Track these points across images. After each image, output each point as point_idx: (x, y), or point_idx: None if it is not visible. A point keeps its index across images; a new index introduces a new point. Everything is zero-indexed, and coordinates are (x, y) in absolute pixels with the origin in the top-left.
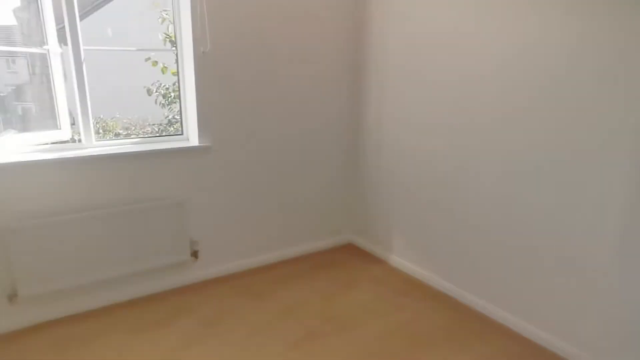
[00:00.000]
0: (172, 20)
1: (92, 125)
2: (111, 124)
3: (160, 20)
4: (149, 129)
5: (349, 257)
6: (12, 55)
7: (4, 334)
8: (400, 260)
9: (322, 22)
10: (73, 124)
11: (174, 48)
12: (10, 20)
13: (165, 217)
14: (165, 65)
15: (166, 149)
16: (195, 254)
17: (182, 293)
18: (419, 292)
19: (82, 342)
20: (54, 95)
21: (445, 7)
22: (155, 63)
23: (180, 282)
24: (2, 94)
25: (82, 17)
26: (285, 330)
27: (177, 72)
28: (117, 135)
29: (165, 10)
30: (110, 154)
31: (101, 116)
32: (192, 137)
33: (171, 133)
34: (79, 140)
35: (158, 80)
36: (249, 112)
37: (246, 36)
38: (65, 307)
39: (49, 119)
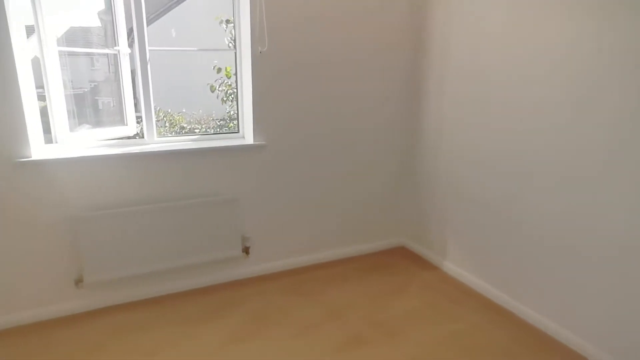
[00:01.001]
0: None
1: (154, 122)
2: (177, 118)
3: (224, 25)
4: (213, 123)
5: (401, 261)
6: (96, 54)
7: (69, 315)
8: (455, 267)
9: (380, 24)
10: (140, 121)
11: (233, 48)
12: (95, 22)
13: (219, 213)
14: (230, 69)
15: (222, 147)
16: (246, 250)
17: (233, 288)
18: (474, 302)
19: (139, 329)
20: (122, 93)
21: (505, 8)
22: (219, 70)
23: (232, 277)
24: (85, 90)
25: (152, 21)
26: (331, 332)
27: (236, 72)
28: (182, 128)
29: (228, 20)
30: (169, 150)
31: (169, 110)
32: (247, 135)
33: (231, 129)
34: (142, 136)
35: (221, 78)
36: (304, 112)
37: (303, 36)
38: (124, 295)
39: (118, 116)
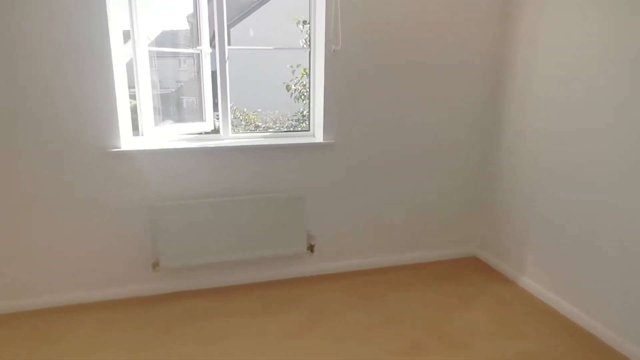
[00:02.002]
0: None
1: (229, 119)
2: (252, 117)
3: (300, 25)
4: (287, 123)
5: (471, 271)
6: (183, 56)
7: (147, 296)
8: (533, 283)
9: (464, 28)
10: (218, 117)
11: (307, 47)
12: (184, 26)
13: (287, 209)
14: (305, 71)
15: (292, 144)
16: (311, 248)
17: (296, 284)
18: (551, 322)
19: (205, 316)
20: (202, 91)
21: (593, 14)
22: (293, 71)
23: (295, 274)
24: (172, 90)
25: (234, 24)
26: (390, 337)
27: (309, 70)
28: (256, 127)
29: (305, 21)
30: (242, 146)
31: (244, 110)
32: (317, 134)
33: (303, 129)
34: (218, 132)
35: (296, 77)
36: (375, 112)
37: (378, 36)
38: (194, 282)
39: (199, 112)
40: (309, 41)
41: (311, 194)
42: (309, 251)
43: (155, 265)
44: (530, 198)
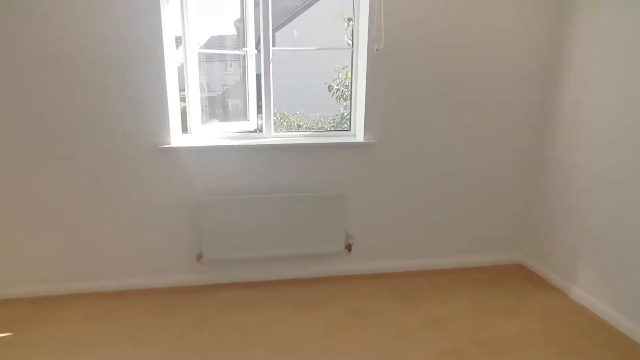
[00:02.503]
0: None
1: (272, 118)
2: (293, 119)
3: (346, 22)
4: (328, 125)
5: (516, 279)
6: (230, 60)
7: (191, 286)
8: (584, 294)
9: (514, 30)
10: (261, 118)
11: (350, 46)
12: (231, 31)
13: (326, 208)
14: (349, 74)
15: (332, 143)
16: (349, 247)
17: (333, 282)
18: (606, 338)
19: (245, 308)
20: (247, 92)
21: None
22: (339, 73)
23: (333, 272)
24: (218, 93)
25: (280, 27)
26: (428, 341)
27: (351, 70)
28: (299, 126)
29: (350, 18)
30: (283, 144)
31: (285, 112)
32: (358, 134)
33: (344, 129)
34: (261, 131)
35: (339, 77)
36: (417, 112)
37: (422, 35)
38: (235, 275)
39: (243, 114)
40: (352, 40)
41: (350, 193)
42: (347, 250)
43: (199, 257)
44: (581, 204)
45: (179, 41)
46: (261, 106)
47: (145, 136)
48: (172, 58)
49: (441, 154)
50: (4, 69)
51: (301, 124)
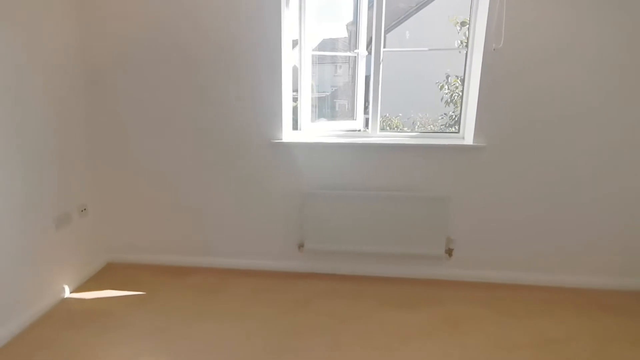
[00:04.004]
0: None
1: (378, 118)
2: (395, 121)
3: (458, 26)
4: (436, 127)
5: None
6: (340, 62)
7: (290, 272)
8: None
9: None
10: (367, 117)
11: (465, 47)
12: (342, 34)
13: (427, 210)
14: (456, 79)
15: (439, 145)
16: (449, 252)
17: (430, 285)
18: None
19: (339, 298)
20: (355, 92)
21: None
22: (448, 77)
23: (431, 275)
24: (327, 94)
25: (392, 28)
26: None
27: (464, 71)
28: (400, 131)
29: (464, 22)
30: (388, 144)
31: (387, 114)
32: (467, 136)
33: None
34: (366, 130)
35: (448, 76)
36: (535, 117)
37: (548, 32)
38: (333, 266)
39: (350, 113)
40: (467, 41)
41: (455, 197)
42: (447, 255)
43: (300, 246)
44: None
45: (292, 43)
46: (367, 107)
47: (260, 131)
48: (288, 60)
49: (561, 163)
50: (150, 72)
51: (404, 128)
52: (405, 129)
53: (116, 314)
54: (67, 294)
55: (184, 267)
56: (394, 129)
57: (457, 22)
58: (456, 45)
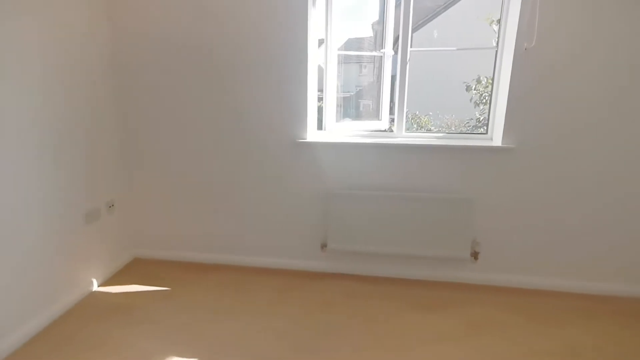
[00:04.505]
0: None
1: (404, 119)
2: (424, 120)
3: (494, 25)
4: (464, 128)
5: None
6: (365, 61)
7: (313, 271)
8: None
9: None
10: (393, 120)
11: (495, 46)
12: (368, 33)
13: (453, 211)
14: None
15: (466, 146)
16: (475, 255)
17: (455, 289)
18: None
19: (364, 299)
20: (380, 91)
21: None
22: (479, 80)
23: (456, 278)
24: (351, 94)
25: (419, 27)
26: None
27: (493, 72)
28: (428, 131)
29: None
30: (414, 144)
31: (417, 112)
32: (495, 138)
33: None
34: (392, 130)
35: (479, 76)
36: (566, 119)
37: (582, 32)
38: (356, 267)
39: (375, 113)
40: (497, 40)
41: (482, 199)
42: (473, 258)
43: (324, 246)
44: None
45: (318, 43)
46: (392, 107)
47: (285, 131)
48: (314, 60)
49: (597, 167)
50: (177, 72)
51: (432, 128)
52: (433, 128)
53: (142, 308)
54: (95, 287)
55: (209, 264)
56: (422, 127)
57: (493, 21)
58: (494, 43)
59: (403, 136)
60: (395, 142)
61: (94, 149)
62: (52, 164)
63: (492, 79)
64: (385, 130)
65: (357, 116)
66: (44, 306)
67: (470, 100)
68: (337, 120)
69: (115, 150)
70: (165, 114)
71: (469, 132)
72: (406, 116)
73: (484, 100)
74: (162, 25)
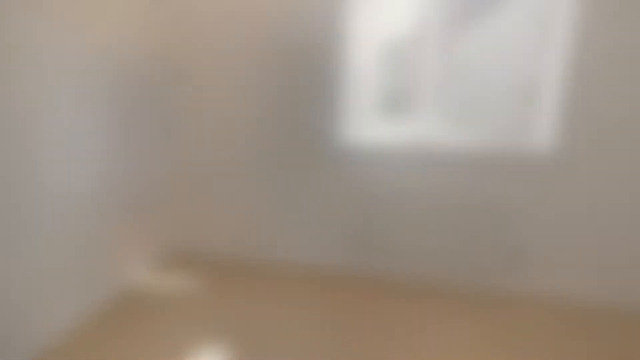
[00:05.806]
0: None
1: (447, 123)
2: (468, 122)
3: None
4: (509, 132)
5: None
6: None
7: (347, 274)
8: None
9: None
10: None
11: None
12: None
13: (496, 218)
14: None
15: (512, 151)
16: (517, 263)
17: (493, 297)
18: None
19: (394, 303)
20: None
21: None
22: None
23: (494, 286)
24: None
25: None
26: None
27: (545, 72)
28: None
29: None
30: (456, 150)
31: (459, 115)
32: (544, 143)
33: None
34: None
35: (531, 77)
36: (620, 125)
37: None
38: (389, 268)
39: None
40: (548, 39)
41: (528, 206)
42: (515, 266)
43: (358, 247)
44: None
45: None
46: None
47: (325, 134)
48: (350, 60)
49: None
50: (221, 75)
51: (474, 131)
52: (476, 131)
53: (178, 304)
54: (132, 282)
55: (244, 262)
56: (465, 131)
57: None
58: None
59: (445, 141)
60: (437, 148)
61: (137, 145)
62: (92, 159)
63: (543, 80)
64: (428, 135)
65: (400, 121)
66: (78, 300)
67: (522, 101)
68: (378, 126)
69: (157, 148)
70: (208, 113)
71: (515, 136)
72: (447, 120)
73: (535, 103)
74: (206, 26)
